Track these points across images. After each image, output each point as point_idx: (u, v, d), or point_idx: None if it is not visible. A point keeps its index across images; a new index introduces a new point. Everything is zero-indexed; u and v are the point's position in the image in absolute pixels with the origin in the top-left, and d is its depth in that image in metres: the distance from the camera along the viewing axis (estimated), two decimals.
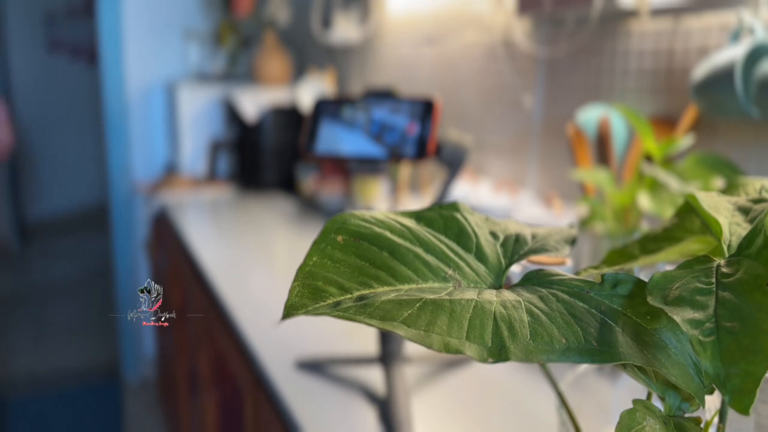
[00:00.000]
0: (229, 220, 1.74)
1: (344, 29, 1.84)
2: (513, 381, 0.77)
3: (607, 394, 0.64)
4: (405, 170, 1.52)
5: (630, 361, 0.28)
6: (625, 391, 0.57)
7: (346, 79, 2.08)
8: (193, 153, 2.22)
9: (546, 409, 0.71)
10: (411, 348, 0.81)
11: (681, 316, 0.27)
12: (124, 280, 2.41)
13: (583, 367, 0.53)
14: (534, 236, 0.39)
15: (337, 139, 0.73)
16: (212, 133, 2.24)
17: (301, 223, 1.63)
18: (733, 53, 0.77)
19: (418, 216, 0.38)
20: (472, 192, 1.24)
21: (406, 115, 0.70)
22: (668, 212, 0.72)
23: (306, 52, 2.39)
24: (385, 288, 0.31)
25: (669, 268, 0.32)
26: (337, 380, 0.78)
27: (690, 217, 0.41)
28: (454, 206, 0.39)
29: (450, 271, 0.34)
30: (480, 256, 0.36)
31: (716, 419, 0.32)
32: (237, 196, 1.99)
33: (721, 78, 0.77)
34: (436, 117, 0.69)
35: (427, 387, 0.77)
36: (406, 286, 0.32)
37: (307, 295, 0.30)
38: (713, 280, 0.29)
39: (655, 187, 0.77)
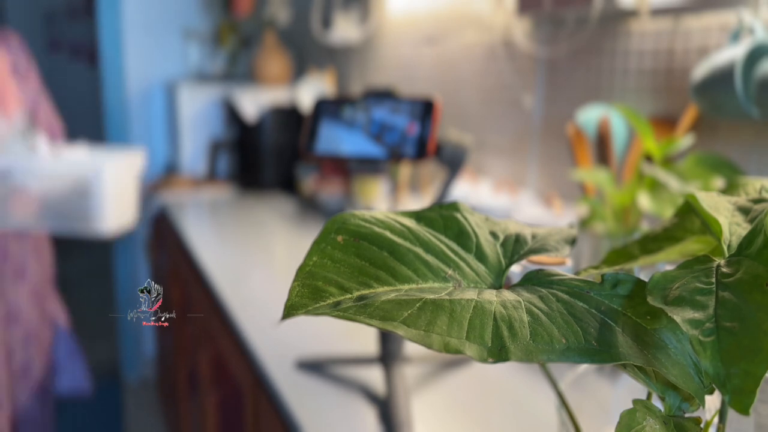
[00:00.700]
0: (229, 220, 1.74)
1: (344, 29, 1.84)
2: (513, 381, 0.77)
3: (607, 394, 0.64)
4: (405, 170, 1.52)
5: (630, 361, 0.28)
6: (625, 391, 0.57)
7: (346, 79, 2.08)
8: (193, 153, 2.22)
9: (546, 409, 0.71)
10: (411, 348, 0.81)
11: (681, 316, 0.27)
12: (124, 280, 2.41)
13: (583, 367, 0.53)
14: (534, 236, 0.39)
15: (337, 139, 0.73)
16: (212, 133, 2.24)
17: (301, 223, 1.63)
18: (733, 53, 0.77)
19: (418, 216, 0.38)
20: (472, 192, 1.24)
21: (406, 115, 0.70)
22: (668, 212, 0.72)
23: (306, 52, 2.39)
24: (385, 288, 0.31)
25: (669, 268, 0.32)
26: (337, 380, 0.78)
27: (690, 217, 0.41)
28: (454, 206, 0.39)
29: (450, 271, 0.34)
30: (480, 256, 0.36)
31: (716, 419, 0.32)
32: (237, 196, 1.99)
33: (721, 78, 0.77)
34: (436, 117, 0.69)
35: (427, 387, 0.77)
36: (406, 286, 0.32)
37: (307, 295, 0.30)
38: (713, 280, 0.29)
39: (655, 187, 0.77)
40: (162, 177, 2.24)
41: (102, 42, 2.29)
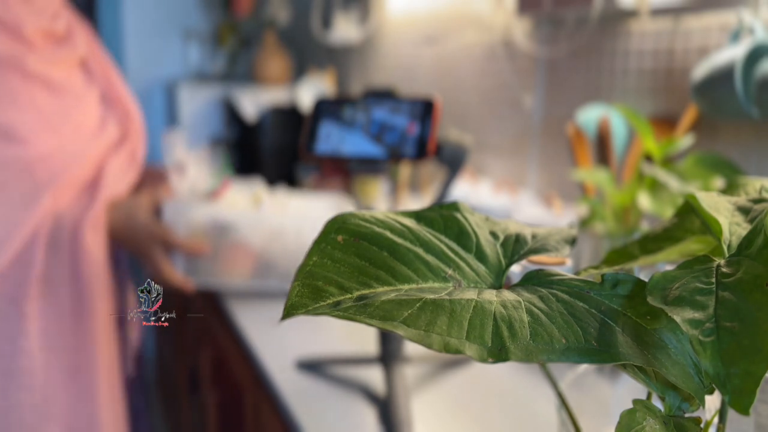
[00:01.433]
0: None
1: (344, 29, 1.84)
2: (513, 381, 0.77)
3: (607, 394, 0.64)
4: (405, 170, 1.52)
5: (630, 361, 0.28)
6: (625, 391, 0.57)
7: (346, 79, 2.08)
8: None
9: (546, 409, 0.71)
10: (411, 348, 0.81)
11: (681, 316, 0.27)
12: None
13: (583, 367, 0.53)
14: (534, 236, 0.39)
15: (337, 139, 0.73)
16: (212, 133, 2.24)
17: None
18: (733, 53, 0.77)
19: (418, 216, 0.38)
20: (472, 192, 1.24)
21: (406, 115, 0.70)
22: (668, 212, 0.72)
23: (306, 52, 2.39)
24: (385, 288, 0.31)
25: (669, 268, 0.32)
26: (337, 380, 0.78)
27: (690, 217, 0.41)
28: (454, 206, 0.39)
29: (450, 271, 0.34)
30: (480, 256, 0.36)
31: (716, 419, 0.32)
32: None
33: (721, 78, 0.77)
34: (436, 117, 0.69)
35: (427, 387, 0.77)
36: (406, 286, 0.32)
37: (307, 294, 0.30)
38: (713, 280, 0.29)
39: (655, 187, 0.77)
40: None
41: (102, 42, 2.29)
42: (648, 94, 1.01)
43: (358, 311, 0.29)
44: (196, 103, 2.21)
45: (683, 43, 0.95)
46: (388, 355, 0.76)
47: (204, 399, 1.25)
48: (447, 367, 0.81)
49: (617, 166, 0.92)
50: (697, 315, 0.27)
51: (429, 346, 0.27)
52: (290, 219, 1.04)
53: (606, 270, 0.38)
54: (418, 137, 0.68)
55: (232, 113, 2.16)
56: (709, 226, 0.35)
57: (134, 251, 0.95)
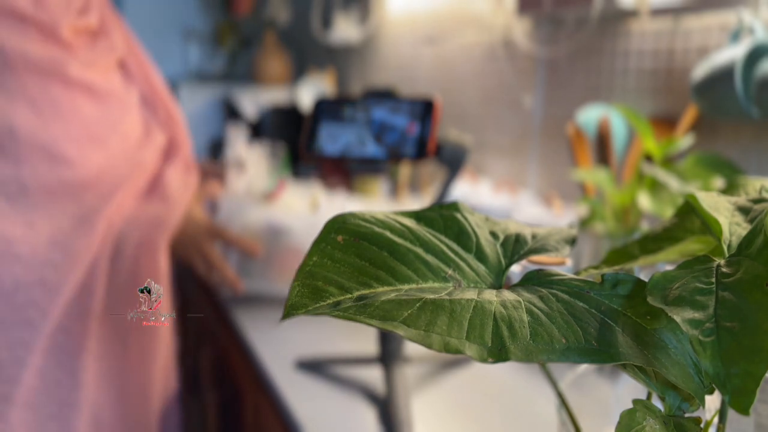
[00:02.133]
0: None
1: (344, 29, 1.84)
2: (513, 381, 0.77)
3: (607, 394, 0.64)
4: (405, 170, 1.52)
5: (630, 361, 0.28)
6: (625, 391, 0.57)
7: (346, 79, 2.08)
8: (193, 153, 2.22)
9: (546, 409, 0.71)
10: (411, 348, 0.81)
11: (681, 316, 0.27)
12: None
13: (583, 367, 0.53)
14: (534, 236, 0.39)
15: (337, 139, 0.73)
16: (212, 133, 2.24)
17: None
18: (733, 53, 0.77)
19: (418, 216, 0.38)
20: (472, 192, 1.24)
21: (406, 115, 0.70)
22: (668, 212, 0.72)
23: (306, 52, 2.39)
24: (385, 288, 0.31)
25: (669, 268, 0.32)
26: (337, 380, 0.78)
27: (690, 217, 0.41)
28: (454, 206, 0.39)
29: (450, 271, 0.34)
30: (480, 256, 0.36)
31: (716, 419, 0.32)
32: None
33: (721, 78, 0.77)
34: (436, 117, 0.69)
35: (427, 387, 0.77)
36: (406, 286, 0.32)
37: (307, 294, 0.30)
38: (713, 280, 0.29)
39: (655, 187, 0.77)
40: None
41: None
42: (648, 94, 1.01)
43: (358, 311, 0.29)
44: (196, 103, 2.21)
45: (683, 43, 0.95)
46: (388, 355, 0.76)
47: (204, 399, 1.25)
48: (447, 367, 0.81)
49: (617, 166, 0.92)
50: (697, 315, 0.27)
51: (429, 346, 0.27)
52: None
53: (606, 270, 0.38)
54: (418, 137, 0.68)
55: (232, 113, 2.16)
56: (709, 226, 0.35)
57: (186, 247, 0.89)
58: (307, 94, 1.93)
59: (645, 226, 0.82)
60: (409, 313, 0.29)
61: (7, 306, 0.70)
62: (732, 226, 0.35)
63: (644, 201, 0.75)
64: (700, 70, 0.82)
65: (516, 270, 0.47)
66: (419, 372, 0.80)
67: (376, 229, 0.35)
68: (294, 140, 2.04)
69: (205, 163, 1.17)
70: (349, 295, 0.30)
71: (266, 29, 2.30)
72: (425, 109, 0.69)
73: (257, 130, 2.01)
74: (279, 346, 0.87)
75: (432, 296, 0.30)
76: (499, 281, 0.36)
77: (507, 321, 0.29)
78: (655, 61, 0.99)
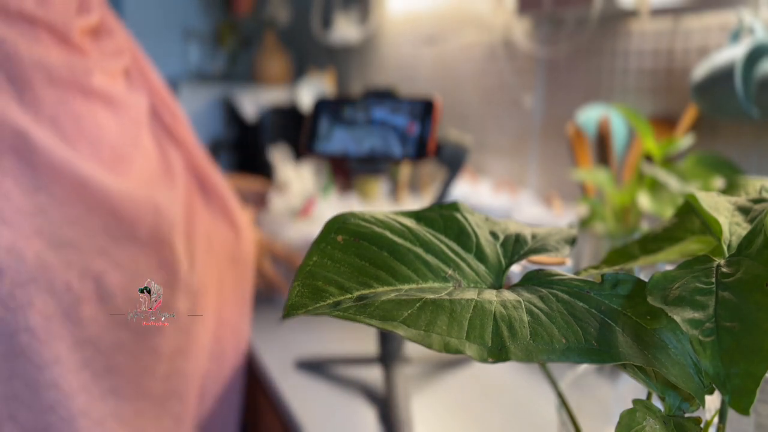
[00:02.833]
0: None
1: (344, 29, 1.84)
2: (513, 381, 0.77)
3: (607, 394, 0.64)
4: (405, 170, 1.52)
5: (630, 361, 0.28)
6: (625, 391, 0.57)
7: (346, 79, 2.08)
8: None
9: (546, 409, 0.71)
10: (411, 348, 0.81)
11: (681, 316, 0.27)
12: None
13: (583, 367, 0.53)
14: (534, 236, 0.39)
15: (337, 139, 0.73)
16: (212, 132, 2.24)
17: None
18: (733, 53, 0.77)
19: (418, 216, 0.38)
20: (472, 192, 1.24)
21: (406, 115, 0.70)
22: (668, 212, 0.72)
23: (306, 52, 2.39)
24: (385, 288, 0.31)
25: (669, 268, 0.32)
26: (337, 380, 0.78)
27: (690, 217, 0.41)
28: (454, 206, 0.39)
29: (450, 271, 0.34)
30: (480, 256, 0.36)
31: (716, 419, 0.32)
32: None
33: (721, 78, 0.77)
34: (436, 117, 0.69)
35: (427, 387, 0.77)
36: (406, 286, 0.32)
37: (307, 294, 0.30)
38: (713, 280, 0.29)
39: (655, 187, 0.77)
40: None
41: None
42: (648, 94, 1.01)
43: (358, 311, 0.29)
44: (196, 103, 2.21)
45: (683, 43, 0.95)
46: (388, 355, 0.76)
47: None
48: (447, 367, 0.81)
49: (617, 166, 0.92)
50: (697, 315, 0.27)
51: (429, 346, 0.27)
52: None
53: (606, 270, 0.38)
54: (418, 137, 0.68)
55: (232, 113, 2.16)
56: (709, 226, 0.35)
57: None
58: (307, 94, 1.93)
59: (645, 226, 0.82)
60: (409, 313, 0.29)
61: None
62: (732, 226, 0.35)
63: (644, 201, 0.75)
64: (700, 70, 0.82)
65: (516, 270, 0.47)
66: (419, 372, 0.80)
67: (376, 229, 0.35)
68: (294, 140, 2.04)
69: (238, 179, 1.19)
70: (349, 295, 0.30)
71: (266, 29, 2.30)
72: (425, 109, 0.69)
73: (257, 131, 2.01)
74: (279, 346, 0.87)
75: (432, 296, 0.30)
76: (499, 281, 0.36)
77: (507, 321, 0.29)
78: (655, 61, 0.99)
